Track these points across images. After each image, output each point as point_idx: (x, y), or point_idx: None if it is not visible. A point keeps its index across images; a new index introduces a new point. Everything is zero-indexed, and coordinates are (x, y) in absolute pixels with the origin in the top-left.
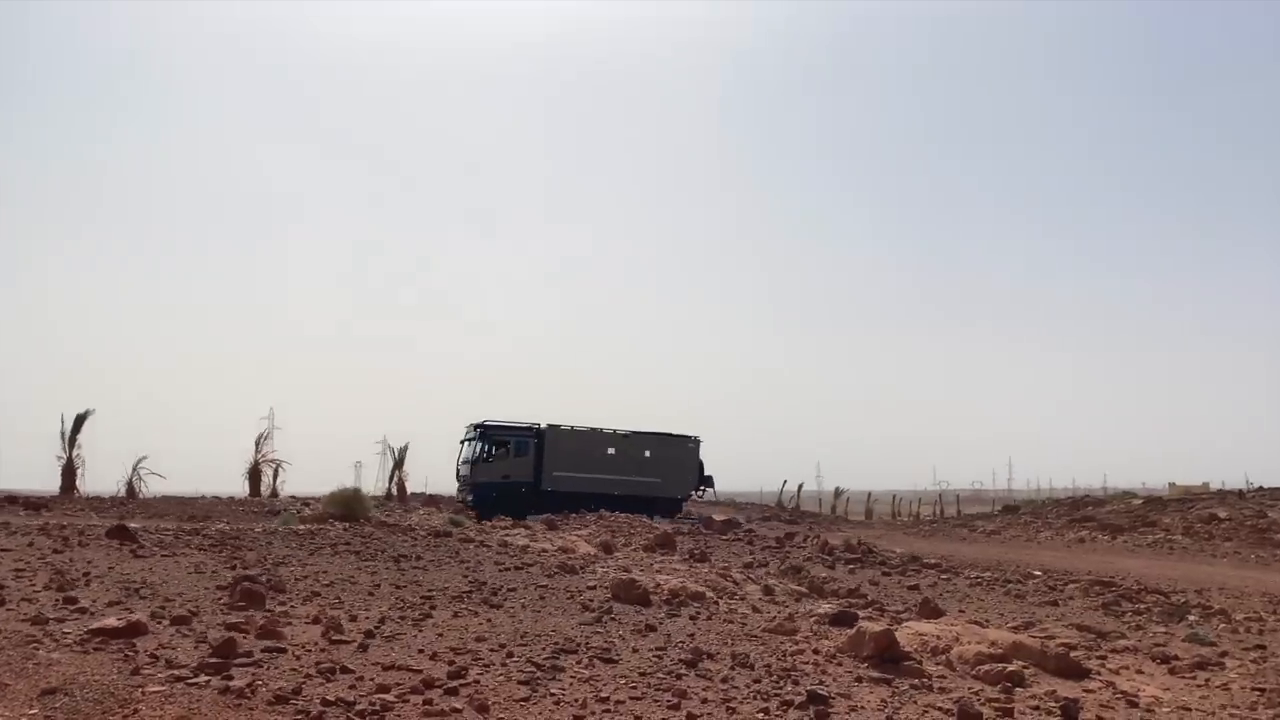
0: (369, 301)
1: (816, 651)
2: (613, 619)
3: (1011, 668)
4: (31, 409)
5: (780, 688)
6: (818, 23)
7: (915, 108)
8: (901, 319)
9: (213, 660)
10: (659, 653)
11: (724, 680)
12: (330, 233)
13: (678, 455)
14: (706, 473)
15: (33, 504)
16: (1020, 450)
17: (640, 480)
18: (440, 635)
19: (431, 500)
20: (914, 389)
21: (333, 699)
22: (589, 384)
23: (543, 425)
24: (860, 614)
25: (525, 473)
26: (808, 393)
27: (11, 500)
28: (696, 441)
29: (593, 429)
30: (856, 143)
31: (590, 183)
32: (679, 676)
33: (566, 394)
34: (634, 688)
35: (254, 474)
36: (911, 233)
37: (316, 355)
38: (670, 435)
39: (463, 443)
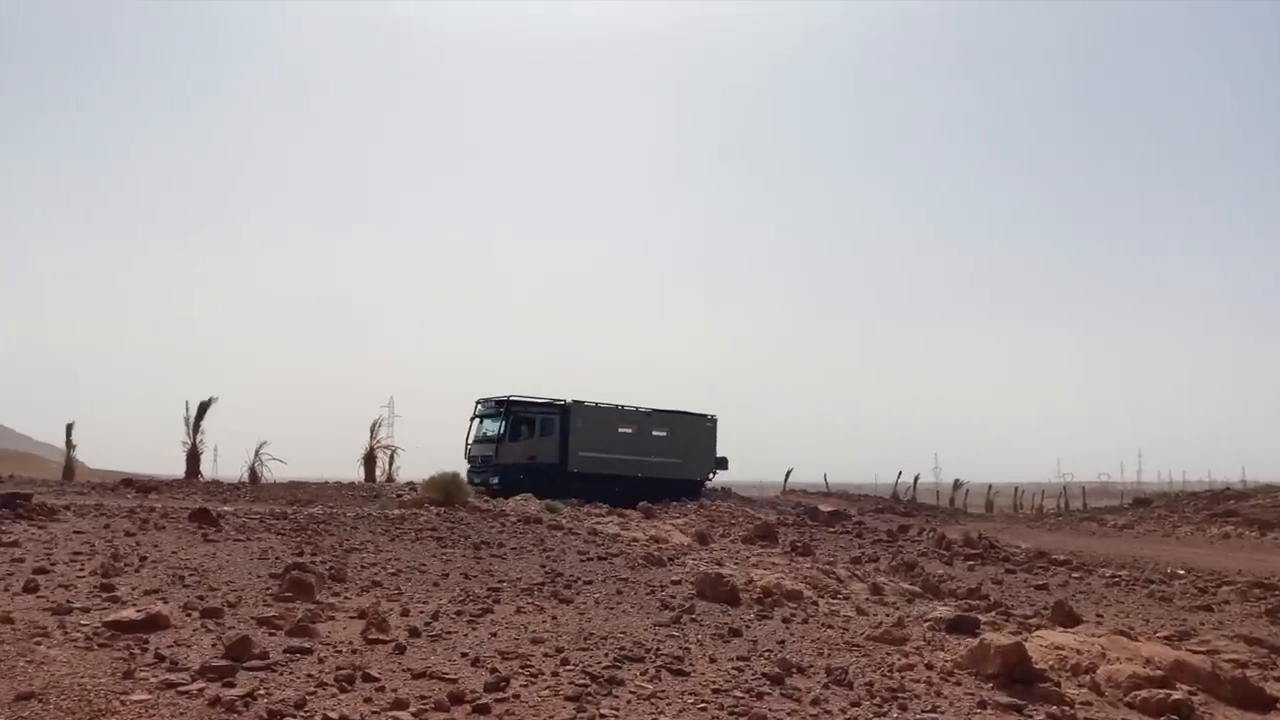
0: (487, 293)
1: (930, 666)
2: (693, 620)
3: (1176, 695)
4: (164, 397)
5: (883, 713)
6: (860, 22)
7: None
8: (1027, 307)
9: (220, 663)
10: (740, 664)
11: (814, 702)
12: (451, 228)
13: (697, 435)
14: (720, 454)
15: (145, 487)
16: (1151, 442)
17: (662, 461)
18: (493, 635)
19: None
20: (1037, 379)
21: (336, 717)
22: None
23: (568, 401)
24: (981, 619)
25: (551, 453)
26: (924, 385)
27: (128, 483)
28: (714, 420)
29: (616, 406)
30: (952, 130)
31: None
32: (759, 695)
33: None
34: (702, 709)
35: (369, 460)
36: (1034, 220)
37: (442, 344)
38: (689, 414)
39: (476, 420)
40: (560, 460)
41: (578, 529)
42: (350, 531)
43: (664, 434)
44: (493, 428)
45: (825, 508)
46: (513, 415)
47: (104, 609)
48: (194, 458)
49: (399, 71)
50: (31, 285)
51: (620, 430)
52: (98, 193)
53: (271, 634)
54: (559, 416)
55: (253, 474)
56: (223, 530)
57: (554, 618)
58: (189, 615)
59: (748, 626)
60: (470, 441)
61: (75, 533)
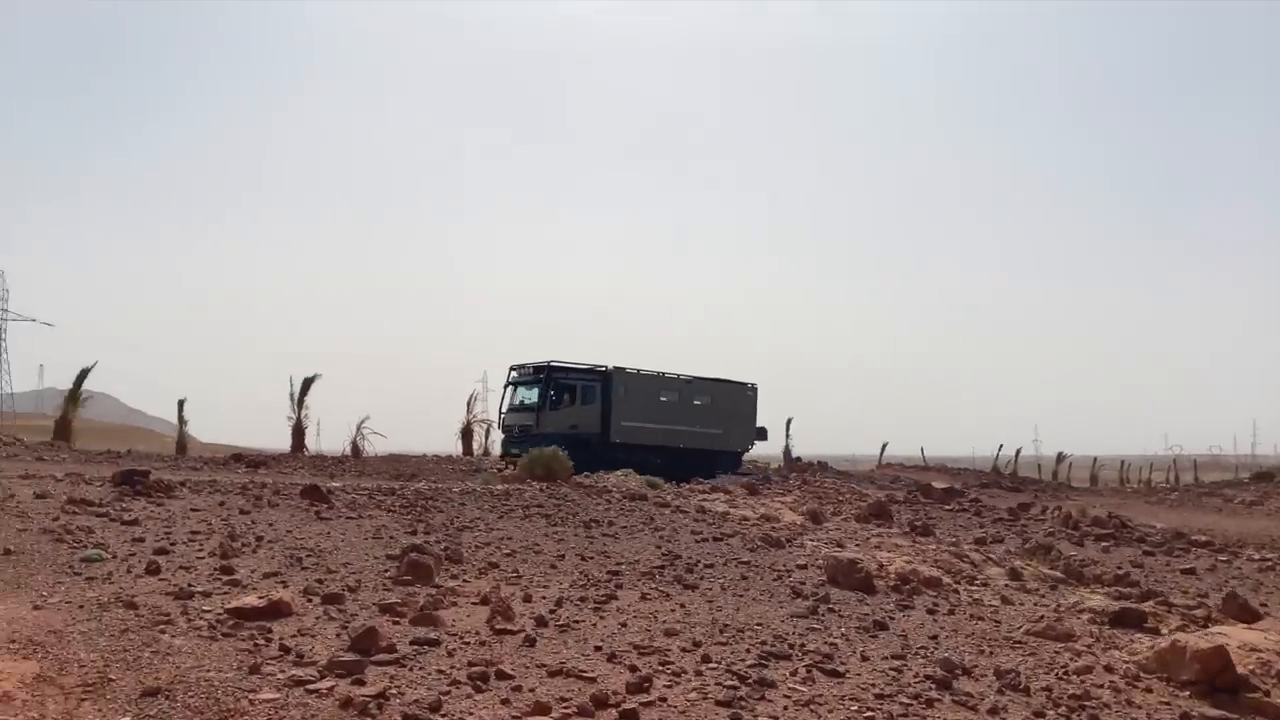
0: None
1: (1110, 669)
2: (831, 610)
3: None
4: (268, 374)
5: None
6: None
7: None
8: (1133, 273)
9: (347, 657)
10: (896, 663)
11: (992, 711)
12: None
13: (738, 404)
14: (760, 424)
15: (253, 462)
16: (1266, 414)
17: (704, 431)
18: (623, 625)
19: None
20: (1143, 348)
21: None
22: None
23: (608, 367)
24: (1145, 610)
25: (593, 422)
26: (1022, 354)
27: (237, 458)
28: (754, 389)
29: (659, 373)
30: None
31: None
32: (929, 702)
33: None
34: (869, 717)
35: (466, 434)
36: (1145, 182)
37: (529, 318)
38: (730, 382)
39: (511, 387)
40: (602, 430)
41: (685, 506)
42: (458, 508)
43: (705, 403)
44: (531, 396)
45: (938, 484)
46: (553, 382)
47: (225, 593)
48: (299, 432)
49: (461, 63)
50: (141, 267)
51: (661, 399)
52: (200, 178)
53: (395, 622)
54: (600, 384)
55: (355, 448)
56: (334, 507)
57: (682, 606)
58: (310, 601)
59: (891, 618)
60: (505, 410)
61: (192, 510)
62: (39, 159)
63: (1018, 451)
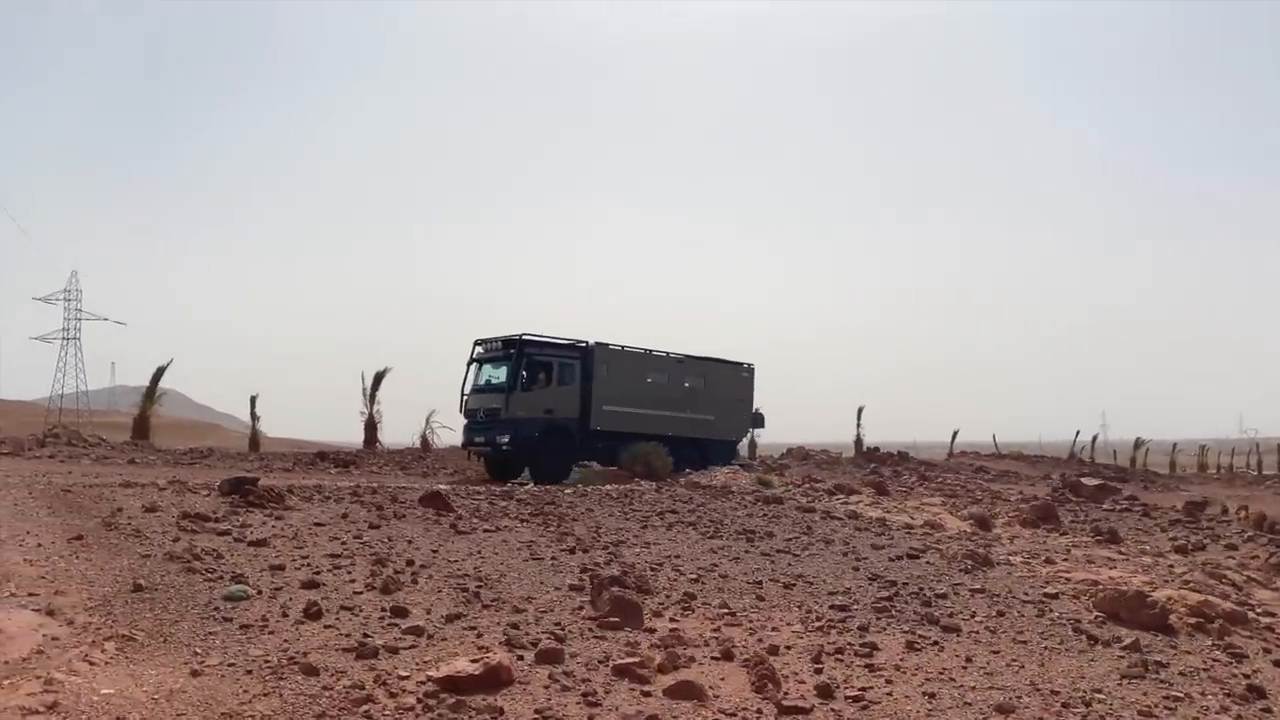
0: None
1: None
2: (1161, 665)
3: None
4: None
5: None
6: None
7: None
8: (1196, 253)
9: None
10: None
11: None
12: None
13: (732, 387)
14: (757, 408)
15: (341, 460)
16: None
17: (695, 418)
18: (931, 697)
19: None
20: (1215, 331)
21: None
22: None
23: (589, 342)
24: None
25: (571, 406)
26: (1085, 337)
27: (322, 457)
28: (750, 370)
29: (647, 350)
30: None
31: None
32: None
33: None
34: None
35: None
36: (1221, 153)
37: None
38: (725, 361)
39: (475, 365)
40: (581, 415)
41: (833, 511)
42: (588, 515)
43: (697, 385)
44: (499, 374)
45: (1088, 480)
46: (527, 358)
47: (411, 647)
48: (371, 427)
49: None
50: (204, 267)
51: (649, 380)
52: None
53: (644, 692)
54: (580, 361)
55: (424, 441)
56: (463, 518)
57: (961, 656)
58: (520, 658)
59: (1249, 677)
60: (468, 392)
61: (316, 525)
62: (104, 162)
63: (1094, 438)
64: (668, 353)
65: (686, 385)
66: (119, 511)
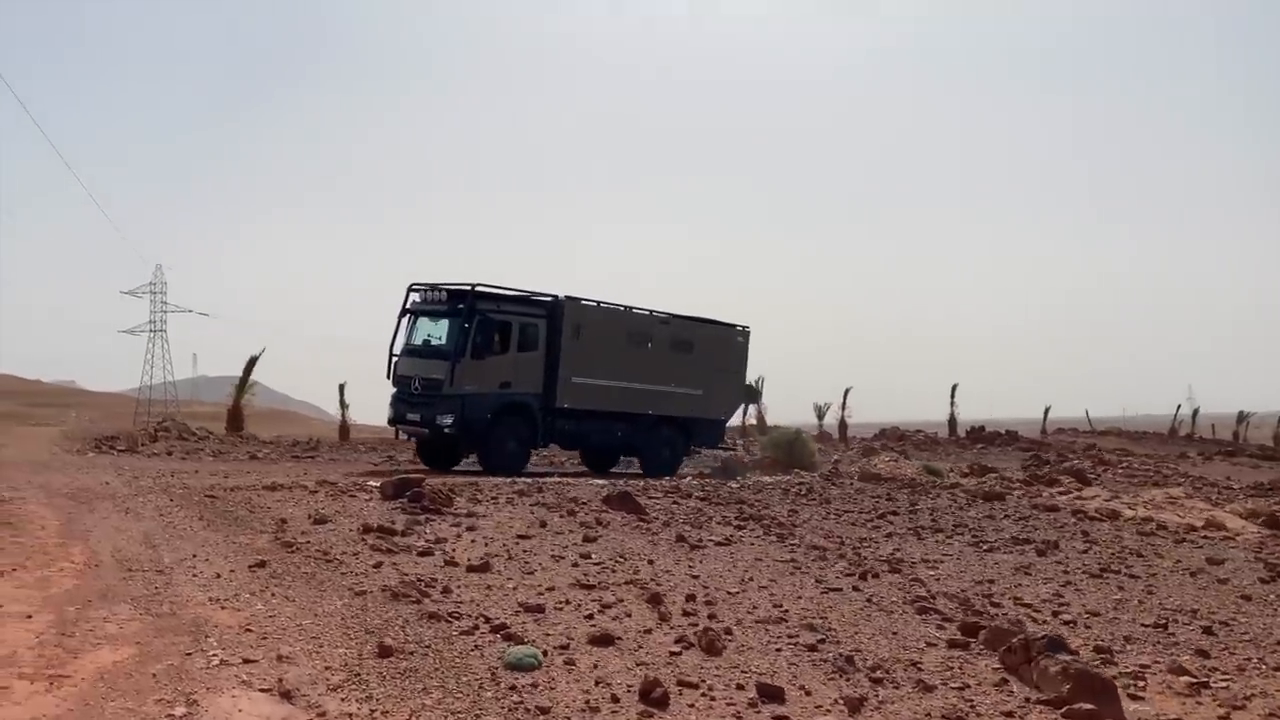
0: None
1: None
2: None
3: None
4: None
5: None
6: None
7: None
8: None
9: None
10: None
11: None
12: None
13: (725, 354)
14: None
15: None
16: None
17: (680, 393)
18: None
19: (825, 436)
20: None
21: None
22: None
23: (556, 296)
24: None
25: (533, 379)
26: (1171, 307)
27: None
28: (746, 333)
29: (625, 308)
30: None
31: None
32: None
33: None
34: None
35: None
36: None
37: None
38: (716, 323)
39: (410, 317)
40: (546, 390)
41: (1085, 509)
42: (792, 514)
43: (684, 352)
44: (441, 333)
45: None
46: (480, 316)
47: None
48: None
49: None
50: (280, 258)
51: (628, 346)
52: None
53: None
54: (545, 321)
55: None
56: (658, 522)
57: None
58: None
59: None
60: (398, 354)
61: (520, 538)
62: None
63: (1195, 412)
64: (650, 311)
65: (671, 352)
66: (284, 524)
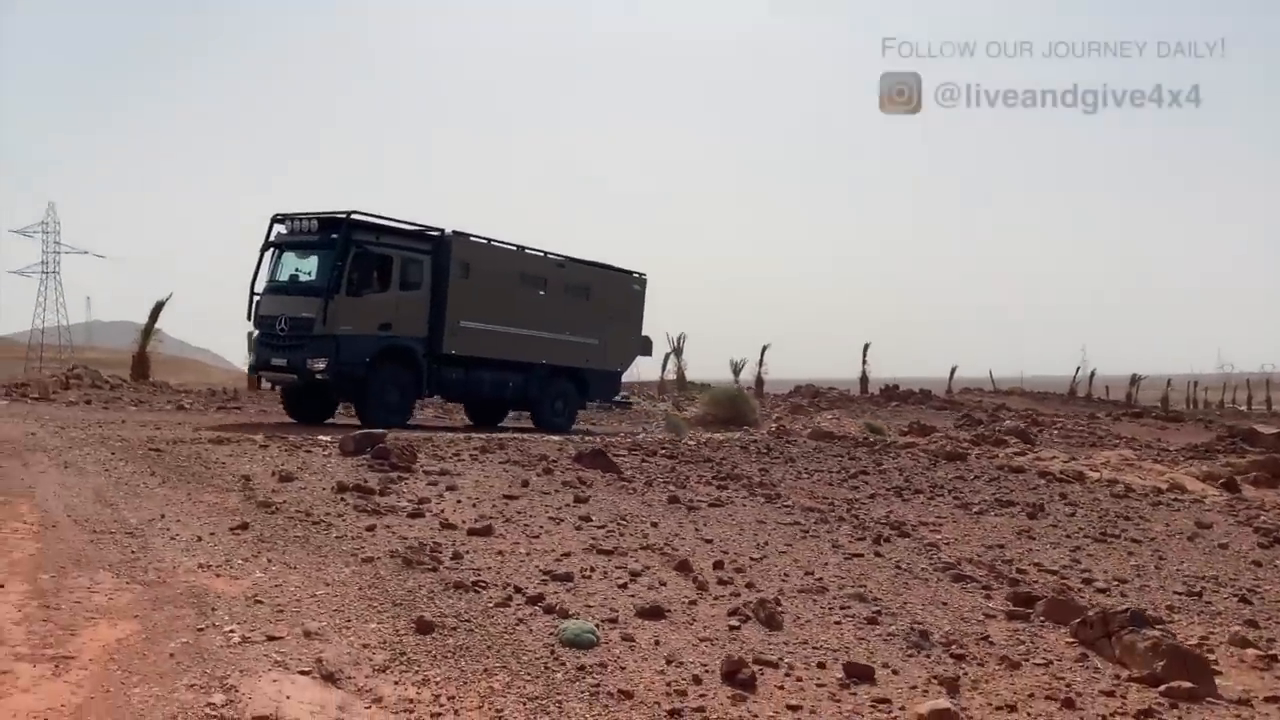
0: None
1: None
2: None
3: None
4: None
5: None
6: None
7: None
8: (1173, 187)
9: None
10: None
11: None
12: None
13: (622, 302)
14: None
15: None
16: None
17: (575, 341)
18: None
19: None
20: (1187, 263)
21: None
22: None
23: (443, 230)
24: None
25: (417, 321)
26: (1069, 271)
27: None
28: (643, 281)
29: (519, 248)
30: None
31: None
32: None
33: None
34: None
35: None
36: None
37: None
38: (613, 269)
39: (274, 251)
40: (431, 333)
41: (1050, 469)
42: (763, 473)
43: (581, 299)
44: (310, 267)
45: (1261, 427)
46: (356, 249)
47: None
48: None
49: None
50: (182, 200)
51: (522, 289)
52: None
53: None
54: (430, 257)
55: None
56: (646, 482)
57: None
58: None
59: None
60: (261, 292)
61: (507, 498)
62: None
63: (1092, 373)
64: (545, 252)
65: (566, 298)
66: (248, 481)
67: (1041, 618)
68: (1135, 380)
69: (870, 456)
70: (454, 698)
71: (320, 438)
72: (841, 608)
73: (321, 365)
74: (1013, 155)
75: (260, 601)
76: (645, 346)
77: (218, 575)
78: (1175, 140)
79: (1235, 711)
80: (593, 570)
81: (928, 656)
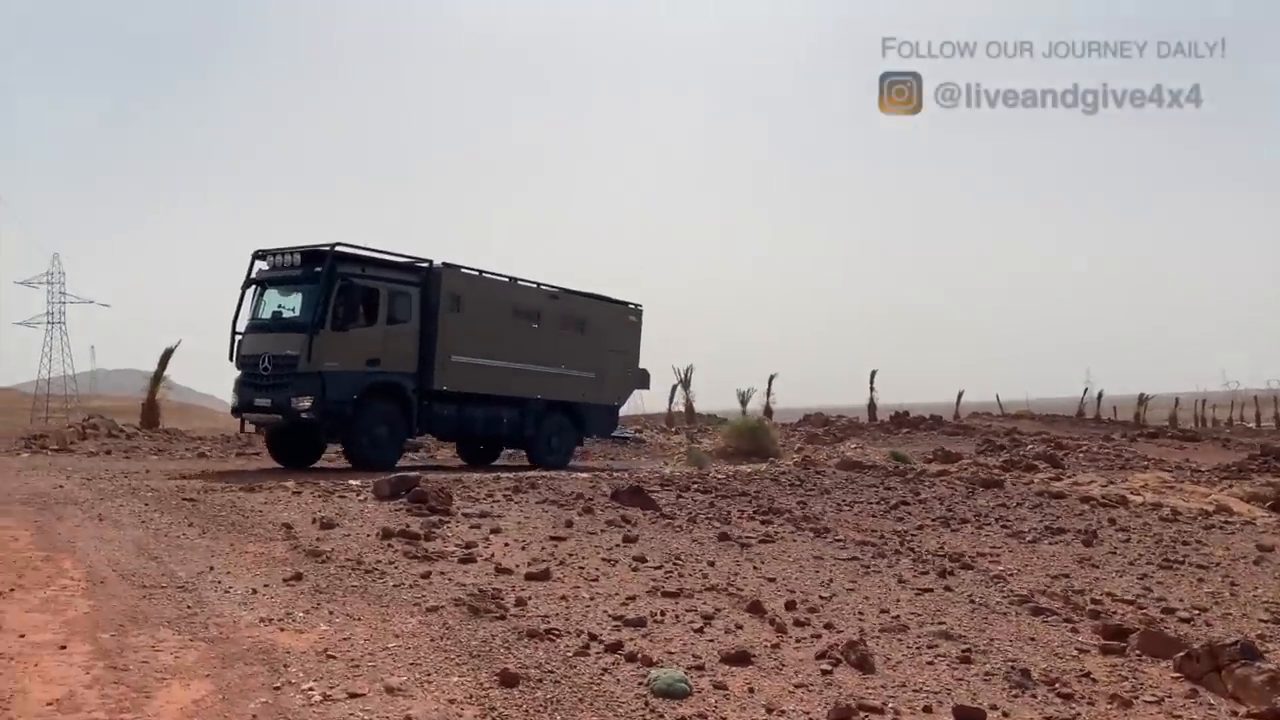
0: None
1: None
2: None
3: None
4: None
5: None
6: None
7: None
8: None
9: None
10: None
11: None
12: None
13: (619, 335)
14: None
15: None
16: None
17: (571, 375)
18: None
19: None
20: (1191, 283)
21: None
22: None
23: (431, 262)
24: None
25: (406, 356)
26: (1071, 293)
27: None
28: (639, 313)
29: (511, 279)
30: None
31: None
32: None
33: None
34: None
35: None
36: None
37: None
38: (609, 300)
39: (257, 288)
40: (421, 369)
41: (1090, 494)
42: (801, 506)
43: (575, 331)
44: (295, 304)
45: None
46: (342, 280)
47: None
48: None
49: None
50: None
51: (515, 322)
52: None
53: None
54: (419, 289)
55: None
56: (689, 519)
57: None
58: None
59: None
60: (243, 330)
61: (554, 539)
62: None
63: (1100, 394)
64: (539, 284)
65: (561, 331)
66: (290, 530)
67: (1138, 651)
68: (1143, 400)
69: (906, 486)
70: None
71: (350, 481)
72: (929, 646)
73: (307, 404)
74: (1013, 155)
75: (333, 656)
76: (643, 380)
77: (281, 629)
78: (1175, 140)
79: None
80: (663, 614)
81: (1034, 696)
